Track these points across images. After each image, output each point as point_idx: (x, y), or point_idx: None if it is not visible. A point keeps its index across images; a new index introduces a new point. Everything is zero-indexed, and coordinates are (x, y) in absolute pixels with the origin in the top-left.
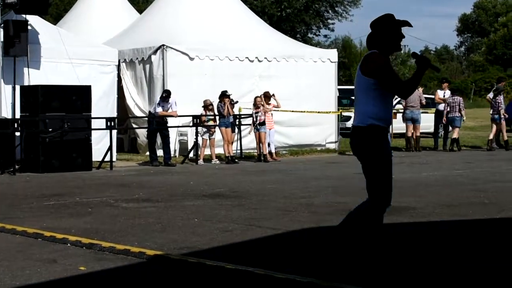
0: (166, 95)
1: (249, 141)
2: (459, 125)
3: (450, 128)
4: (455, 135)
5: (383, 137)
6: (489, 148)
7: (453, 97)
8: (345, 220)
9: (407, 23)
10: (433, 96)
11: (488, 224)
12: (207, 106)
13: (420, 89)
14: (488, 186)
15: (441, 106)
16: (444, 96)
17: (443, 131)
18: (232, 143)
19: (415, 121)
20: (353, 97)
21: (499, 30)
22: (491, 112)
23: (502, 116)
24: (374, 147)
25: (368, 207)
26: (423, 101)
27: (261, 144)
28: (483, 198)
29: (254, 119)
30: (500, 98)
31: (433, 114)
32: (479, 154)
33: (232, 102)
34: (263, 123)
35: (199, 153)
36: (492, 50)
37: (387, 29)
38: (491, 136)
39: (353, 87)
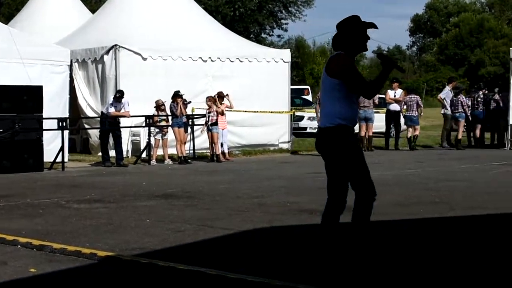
0: (119, 96)
1: (202, 141)
2: (418, 123)
3: (405, 127)
4: (416, 133)
5: (351, 135)
6: (458, 147)
7: (410, 96)
8: (353, 228)
9: (373, 25)
10: (384, 96)
11: (439, 223)
12: (159, 106)
13: None
14: (439, 185)
15: (392, 106)
16: (394, 96)
17: (394, 131)
18: (185, 143)
19: (368, 121)
20: (304, 97)
21: (451, 31)
22: (442, 111)
23: (466, 115)
24: (345, 146)
25: (363, 201)
26: (376, 101)
27: (213, 144)
28: (434, 197)
29: (207, 119)
30: (462, 97)
31: (385, 114)
32: (431, 154)
33: (185, 102)
34: (215, 123)
35: (152, 153)
36: (443, 50)
37: (354, 30)
38: (459, 136)
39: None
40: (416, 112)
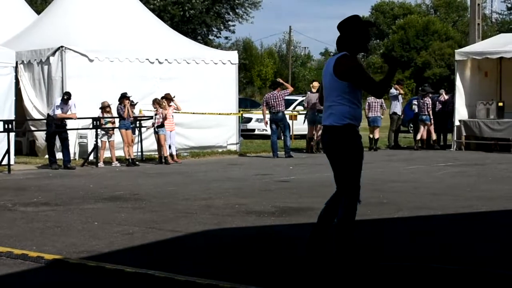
0: (67, 98)
1: (150, 144)
2: (380, 125)
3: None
4: (377, 136)
5: (358, 135)
6: (416, 148)
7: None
8: (336, 232)
9: (372, 24)
10: None
11: (386, 223)
12: (104, 107)
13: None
14: (386, 186)
15: None
16: None
17: None
18: (132, 145)
19: (317, 122)
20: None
21: (397, 33)
22: (390, 112)
23: (431, 117)
24: (353, 145)
25: (348, 204)
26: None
27: (161, 146)
28: (381, 198)
29: (154, 121)
30: (428, 100)
31: None
32: (379, 155)
33: (133, 104)
34: (161, 125)
35: (99, 155)
36: (390, 52)
37: (355, 30)
38: (418, 137)
39: None
40: (380, 114)
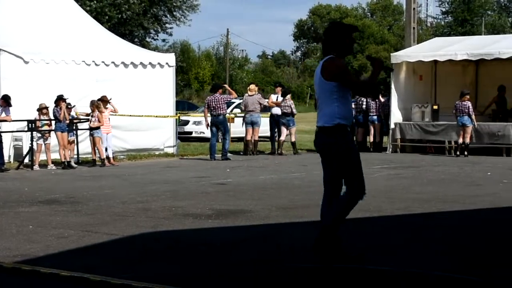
0: (4, 100)
1: (86, 146)
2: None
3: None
4: (293, 139)
5: (349, 133)
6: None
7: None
8: (326, 219)
9: (356, 29)
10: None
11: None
12: (41, 109)
13: (259, 94)
14: (323, 188)
15: (275, 110)
16: (277, 100)
17: (277, 135)
18: (69, 148)
19: (254, 125)
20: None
21: None
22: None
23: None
24: (345, 144)
25: (349, 199)
26: (262, 105)
27: (97, 149)
28: (318, 200)
29: (90, 124)
30: (381, 100)
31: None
32: (315, 157)
33: (70, 107)
34: (97, 128)
35: (34, 158)
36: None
37: (340, 35)
38: (378, 138)
39: None
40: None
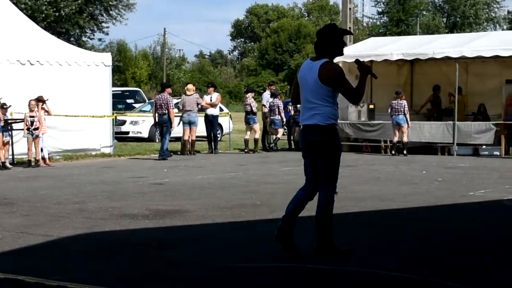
0: None
1: (21, 146)
2: (280, 127)
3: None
4: (279, 135)
5: (338, 133)
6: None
7: (274, 100)
8: (320, 225)
9: (348, 32)
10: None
11: (260, 224)
12: None
13: (197, 94)
14: (260, 187)
15: (209, 111)
16: (211, 100)
17: (212, 135)
18: (3, 148)
19: (191, 124)
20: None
21: (270, 36)
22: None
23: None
24: (336, 143)
25: (329, 197)
26: (200, 106)
27: (36, 149)
28: (255, 200)
29: (28, 123)
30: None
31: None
32: (252, 157)
33: (5, 107)
34: (37, 128)
35: None
36: (264, 55)
37: (332, 37)
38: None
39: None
40: (279, 116)
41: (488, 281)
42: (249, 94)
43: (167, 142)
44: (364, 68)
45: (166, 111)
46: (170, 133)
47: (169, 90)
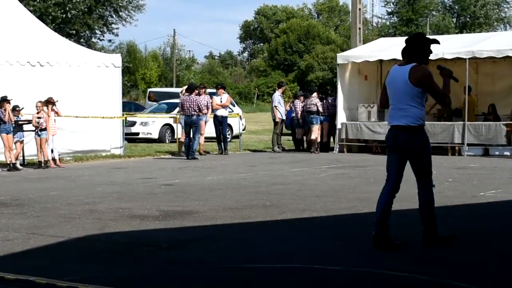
0: None
1: (32, 148)
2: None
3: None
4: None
5: (426, 133)
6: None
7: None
8: (425, 218)
9: (436, 41)
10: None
11: (270, 226)
12: None
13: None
14: (270, 188)
15: (219, 112)
16: (221, 101)
17: (222, 136)
18: (16, 149)
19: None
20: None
21: (280, 37)
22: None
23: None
24: (426, 142)
25: (429, 192)
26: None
27: (42, 150)
28: (265, 201)
29: (36, 125)
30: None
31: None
32: (263, 157)
33: (17, 109)
34: (44, 129)
35: None
36: (273, 55)
37: (421, 45)
38: (313, 137)
39: None
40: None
41: (498, 282)
42: (314, 94)
43: (197, 143)
44: (447, 72)
45: (196, 113)
46: (199, 134)
47: (196, 91)
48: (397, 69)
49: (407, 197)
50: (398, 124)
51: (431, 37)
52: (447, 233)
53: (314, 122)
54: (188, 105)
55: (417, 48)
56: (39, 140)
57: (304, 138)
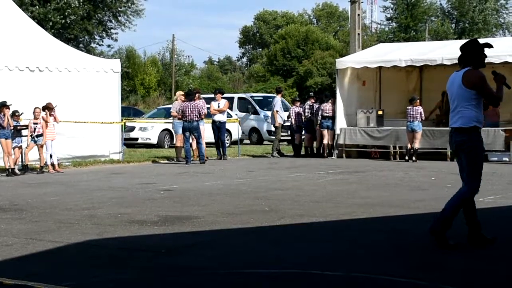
0: None
1: (31, 153)
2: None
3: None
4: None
5: (480, 135)
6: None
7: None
8: (447, 209)
9: (489, 45)
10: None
11: (268, 231)
12: None
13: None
14: (269, 194)
15: (217, 117)
16: (219, 106)
17: (220, 141)
18: (17, 155)
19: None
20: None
21: (279, 42)
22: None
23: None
24: (477, 144)
25: (467, 192)
26: (203, 115)
27: (41, 156)
28: (264, 206)
29: (32, 130)
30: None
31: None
32: (261, 163)
33: (17, 114)
34: (40, 135)
35: None
36: (272, 61)
37: (476, 51)
38: (325, 141)
39: None
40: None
41: (496, 286)
42: (332, 100)
43: (204, 147)
44: (500, 78)
45: (197, 118)
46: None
47: (197, 97)
48: (454, 75)
49: (400, 202)
50: (454, 126)
51: (484, 40)
52: (448, 239)
53: (329, 127)
54: (189, 111)
55: (471, 54)
56: (37, 146)
57: (314, 143)
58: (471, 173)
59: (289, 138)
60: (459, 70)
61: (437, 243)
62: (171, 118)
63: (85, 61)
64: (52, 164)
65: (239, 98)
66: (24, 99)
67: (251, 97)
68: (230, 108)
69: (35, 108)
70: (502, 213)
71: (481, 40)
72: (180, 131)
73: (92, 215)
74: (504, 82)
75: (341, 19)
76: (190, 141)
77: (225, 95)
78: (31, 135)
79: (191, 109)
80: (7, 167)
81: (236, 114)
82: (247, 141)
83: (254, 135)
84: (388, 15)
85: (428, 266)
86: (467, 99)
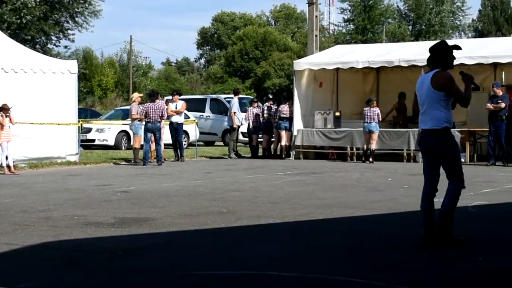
0: None
1: None
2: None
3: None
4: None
5: (452, 135)
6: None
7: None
8: (443, 214)
9: (457, 47)
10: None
11: (226, 232)
12: None
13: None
14: (226, 195)
15: (174, 118)
16: (176, 108)
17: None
18: None
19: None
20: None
21: (237, 44)
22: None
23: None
24: (452, 143)
25: (456, 188)
26: (165, 116)
27: None
28: (221, 207)
29: None
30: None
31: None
32: (219, 164)
33: None
34: None
35: None
36: (230, 62)
37: (444, 52)
38: (283, 143)
39: None
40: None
41: (452, 285)
42: (290, 101)
43: (162, 149)
44: (468, 78)
45: (161, 119)
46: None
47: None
48: (424, 77)
49: (357, 203)
50: (425, 128)
51: (451, 42)
52: (404, 239)
53: (287, 128)
54: (153, 112)
55: (440, 55)
56: None
57: (274, 144)
58: (454, 169)
59: (247, 139)
60: (428, 72)
61: (447, 244)
62: (129, 119)
63: (41, 62)
64: (8, 166)
65: (211, 100)
66: None
67: (224, 98)
68: (203, 109)
69: None
70: (460, 214)
71: (450, 42)
72: (140, 132)
73: (48, 217)
74: (472, 82)
75: (299, 20)
76: (150, 142)
77: (197, 96)
78: None
79: (155, 110)
80: None
81: (208, 116)
82: (221, 143)
83: (227, 136)
84: (346, 17)
85: (385, 267)
86: (436, 101)
